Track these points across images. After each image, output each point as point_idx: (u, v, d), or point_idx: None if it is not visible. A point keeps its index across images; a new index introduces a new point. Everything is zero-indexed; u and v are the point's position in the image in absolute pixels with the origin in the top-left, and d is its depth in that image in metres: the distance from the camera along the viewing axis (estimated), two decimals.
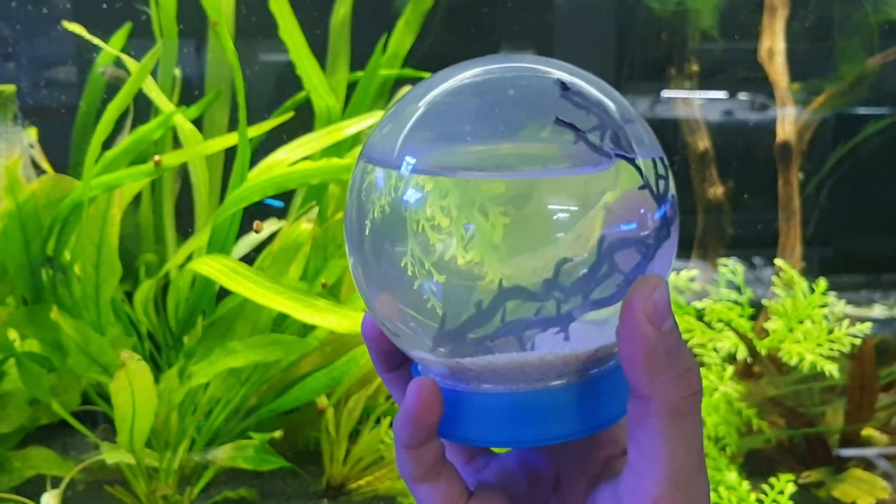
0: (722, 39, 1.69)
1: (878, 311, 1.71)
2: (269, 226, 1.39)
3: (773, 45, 1.49)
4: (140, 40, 1.47)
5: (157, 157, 1.17)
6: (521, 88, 0.35)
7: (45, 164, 1.40)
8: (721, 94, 1.71)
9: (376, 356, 0.38)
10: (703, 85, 1.65)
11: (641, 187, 0.33)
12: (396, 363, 0.38)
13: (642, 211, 0.33)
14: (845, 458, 1.35)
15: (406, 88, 1.46)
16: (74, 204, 1.19)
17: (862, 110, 1.69)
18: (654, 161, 0.34)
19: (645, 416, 0.32)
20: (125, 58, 1.28)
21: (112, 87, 1.45)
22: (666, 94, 1.68)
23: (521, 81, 0.35)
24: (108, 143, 1.27)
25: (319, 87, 1.32)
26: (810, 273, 1.35)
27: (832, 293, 1.31)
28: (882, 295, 1.75)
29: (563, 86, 0.33)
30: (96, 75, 1.46)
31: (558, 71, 0.35)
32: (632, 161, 0.33)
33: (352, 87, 1.48)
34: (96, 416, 1.34)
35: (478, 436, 0.35)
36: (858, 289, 1.75)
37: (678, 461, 0.32)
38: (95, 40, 1.29)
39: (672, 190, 0.35)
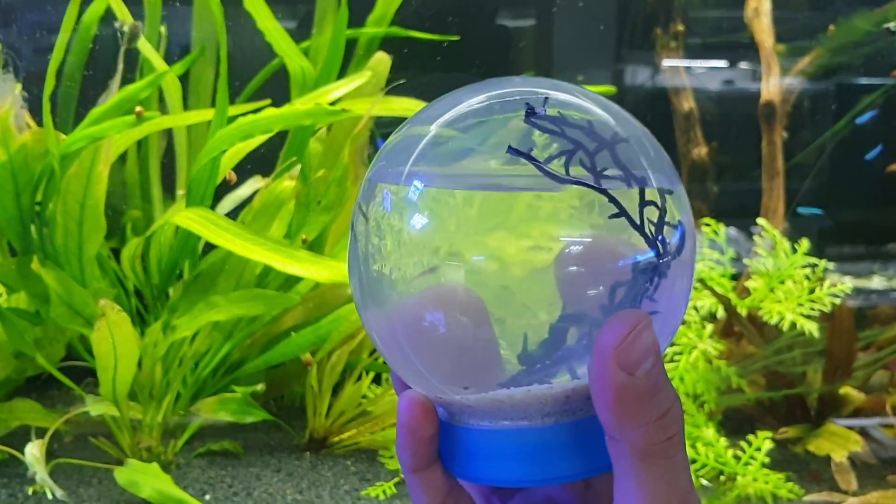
0: (712, 2, 1.69)
1: (878, 282, 1.70)
2: (254, 183, 1.40)
3: (760, 6, 1.48)
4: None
5: (139, 109, 1.16)
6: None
7: (31, 123, 1.40)
8: (713, 61, 1.71)
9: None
10: (691, 47, 1.65)
11: (613, 215, 0.31)
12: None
13: (614, 247, 0.32)
14: (823, 416, 1.36)
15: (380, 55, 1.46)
16: (62, 156, 1.20)
17: (850, 72, 1.68)
18: (659, 190, 0.32)
19: (618, 456, 0.31)
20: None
21: (98, 49, 1.45)
22: (663, 63, 1.67)
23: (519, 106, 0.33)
24: (93, 103, 1.27)
25: (289, 50, 1.32)
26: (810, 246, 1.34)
27: (830, 265, 1.31)
28: (881, 266, 1.74)
29: (529, 111, 0.32)
30: (81, 36, 1.46)
31: (556, 92, 0.34)
32: (597, 188, 0.31)
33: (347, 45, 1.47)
34: (83, 370, 1.36)
35: (503, 475, 0.34)
36: (857, 260, 1.74)
37: (654, 502, 0.31)
38: None
39: (677, 219, 0.32)
